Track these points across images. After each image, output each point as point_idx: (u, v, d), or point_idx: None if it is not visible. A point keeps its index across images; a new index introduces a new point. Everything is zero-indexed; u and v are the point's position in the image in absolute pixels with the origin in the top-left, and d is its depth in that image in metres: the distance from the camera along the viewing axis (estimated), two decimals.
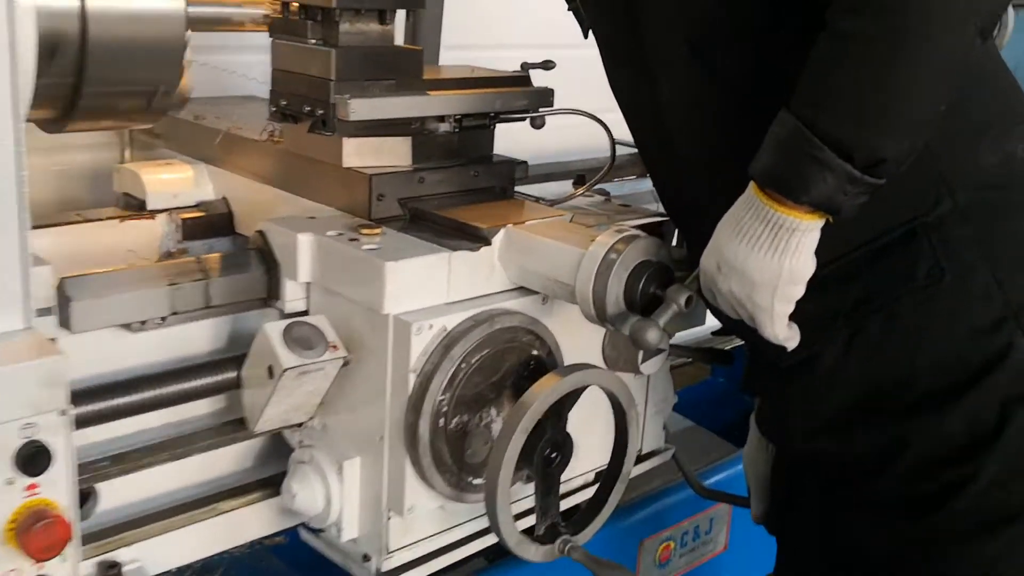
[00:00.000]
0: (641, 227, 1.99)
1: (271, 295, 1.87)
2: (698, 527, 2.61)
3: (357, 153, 1.94)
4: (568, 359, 1.88)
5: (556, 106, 2.13)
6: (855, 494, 1.72)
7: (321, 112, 1.89)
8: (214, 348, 1.91)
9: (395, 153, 1.96)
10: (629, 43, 1.77)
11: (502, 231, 1.81)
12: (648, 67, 1.75)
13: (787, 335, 1.55)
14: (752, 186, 1.50)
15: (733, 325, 1.68)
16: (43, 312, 1.64)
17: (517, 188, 2.13)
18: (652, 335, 1.60)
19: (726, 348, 2.33)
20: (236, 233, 2.28)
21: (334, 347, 1.76)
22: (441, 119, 2.02)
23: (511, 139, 2.15)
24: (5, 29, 1.39)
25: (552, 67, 2.25)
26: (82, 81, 1.70)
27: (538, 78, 2.15)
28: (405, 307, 1.71)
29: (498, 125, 2.10)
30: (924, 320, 1.59)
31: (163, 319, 1.80)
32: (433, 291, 1.74)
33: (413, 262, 1.71)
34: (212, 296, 1.83)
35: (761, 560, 2.51)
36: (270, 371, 1.72)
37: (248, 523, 1.94)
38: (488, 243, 1.80)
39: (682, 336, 2.18)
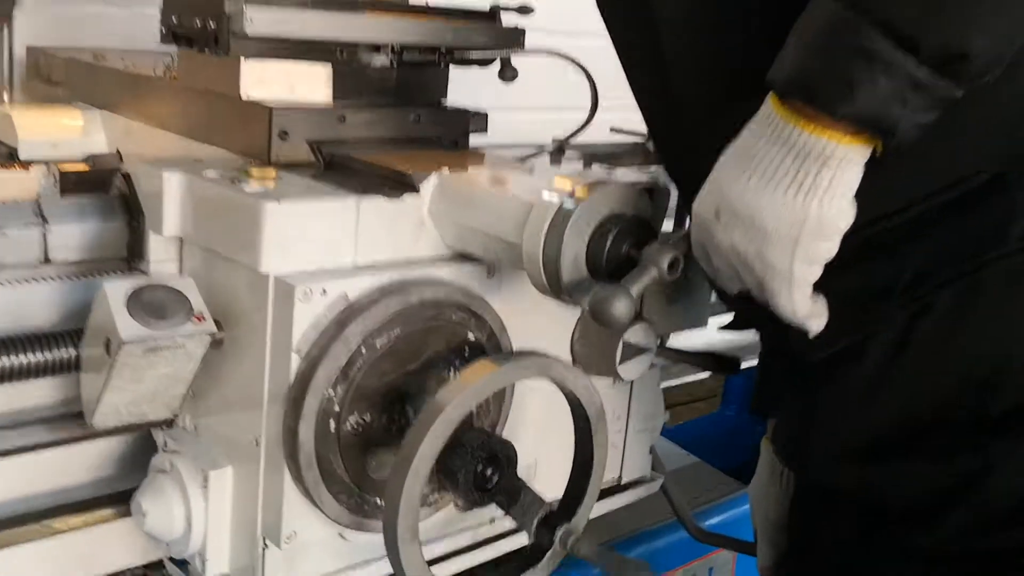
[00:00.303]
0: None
1: (133, 254, 1.44)
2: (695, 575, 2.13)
3: (260, 81, 1.51)
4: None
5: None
6: (900, 543, 1.24)
7: (214, 26, 1.47)
8: (55, 320, 1.47)
9: (310, 84, 1.54)
10: None
11: (434, 176, 1.37)
12: None
13: (809, 311, 1.10)
14: (770, 99, 1.07)
15: (736, 303, 1.23)
16: None
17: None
18: (620, 306, 1.14)
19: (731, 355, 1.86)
20: None
21: (199, 318, 1.32)
22: (376, 48, 1.59)
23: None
24: None
25: (529, 12, 1.83)
26: None
27: None
28: (292, 267, 1.27)
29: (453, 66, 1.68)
30: (1019, 298, 1.13)
31: None
32: (334, 248, 1.30)
33: (305, 206, 1.27)
34: (51, 249, 1.40)
35: None
36: (107, 346, 1.28)
37: (101, 550, 1.48)
38: (415, 190, 1.36)
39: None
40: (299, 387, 1.24)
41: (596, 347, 1.50)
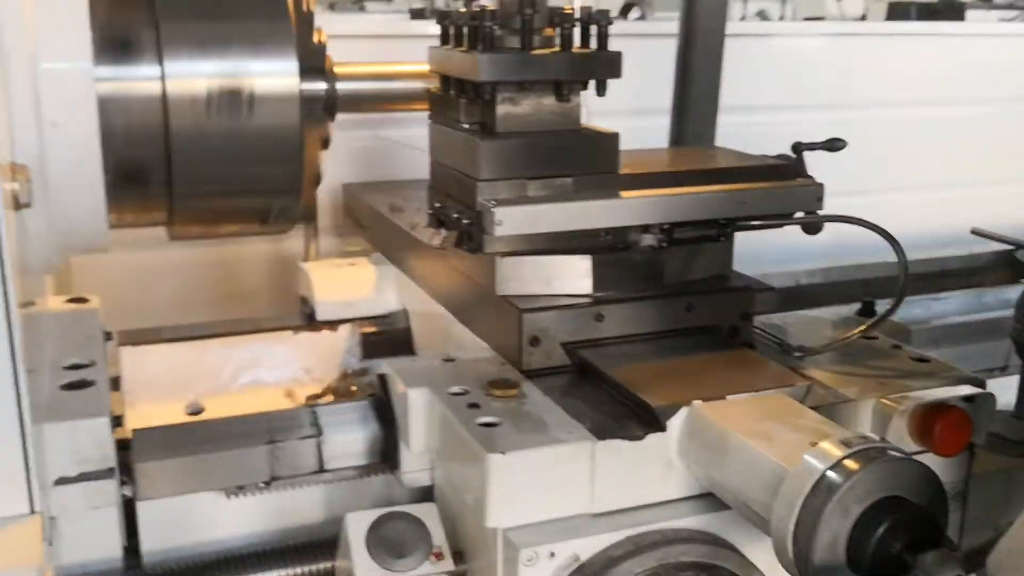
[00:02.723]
0: (939, 405, 1.30)
1: (388, 460, 1.43)
2: None
3: (515, 277, 1.43)
4: None
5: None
6: None
7: (467, 222, 1.41)
8: (328, 517, 1.49)
9: (569, 277, 1.43)
10: None
11: (683, 412, 1.21)
12: None
13: None
14: None
15: None
16: (101, 474, 1.32)
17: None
18: None
19: None
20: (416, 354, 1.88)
21: (438, 555, 1.27)
22: (644, 229, 1.45)
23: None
24: None
25: (841, 147, 1.60)
26: (171, 177, 1.38)
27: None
28: (520, 519, 1.17)
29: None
30: None
31: (265, 485, 1.42)
32: (566, 497, 1.19)
33: (535, 455, 1.17)
34: (327, 458, 1.42)
35: None
36: None
37: None
38: (660, 428, 1.20)
39: None
40: None
41: None
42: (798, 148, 1.59)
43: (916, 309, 1.92)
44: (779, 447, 1.10)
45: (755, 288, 1.48)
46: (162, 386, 1.80)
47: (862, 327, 1.44)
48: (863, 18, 7.04)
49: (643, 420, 1.23)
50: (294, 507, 1.48)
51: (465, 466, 1.22)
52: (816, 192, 1.49)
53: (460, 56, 1.40)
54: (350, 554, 1.25)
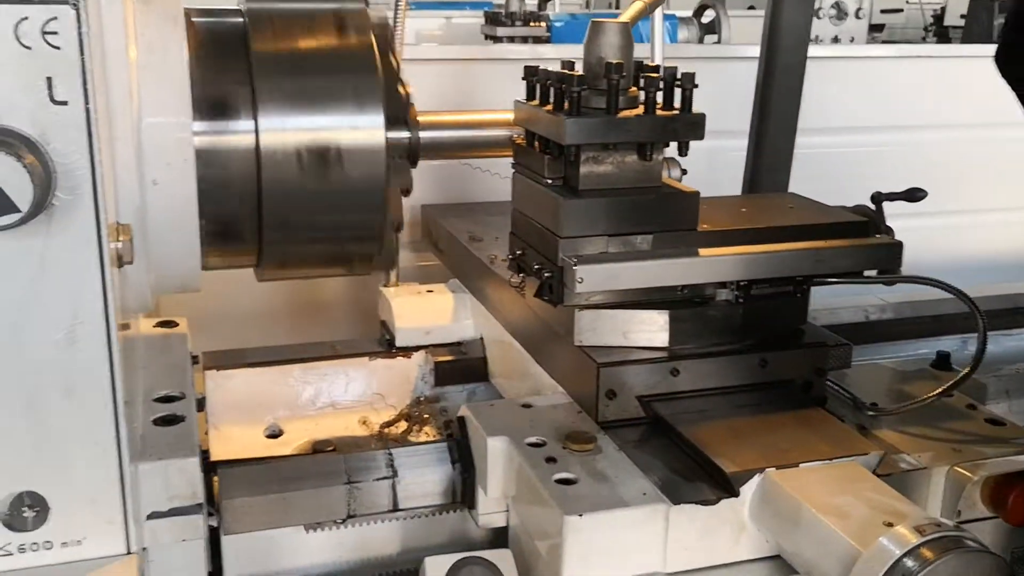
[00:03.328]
0: (1013, 475, 1.31)
1: (465, 501, 1.48)
2: None
3: (593, 329, 1.47)
4: None
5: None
6: None
7: (548, 275, 1.45)
8: (402, 550, 1.56)
9: (646, 331, 1.46)
10: None
11: (757, 479, 1.24)
12: None
13: None
14: None
15: None
16: (190, 509, 1.38)
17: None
18: None
19: None
20: (490, 381, 1.93)
21: None
22: (721, 285, 1.48)
23: None
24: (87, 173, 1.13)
25: (922, 197, 1.61)
26: (261, 226, 1.44)
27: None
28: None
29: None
30: None
31: (341, 522, 1.48)
32: (640, 557, 1.23)
33: (611, 516, 1.21)
34: (400, 499, 1.48)
35: None
36: None
37: None
38: (734, 493, 1.24)
39: None
40: None
41: None
42: (877, 199, 1.60)
43: (989, 346, 1.91)
44: (853, 525, 1.12)
45: (830, 344, 1.50)
46: (244, 408, 1.88)
47: (940, 390, 1.45)
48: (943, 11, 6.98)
49: (716, 483, 1.26)
50: (369, 542, 1.54)
51: (542, 519, 1.27)
52: (894, 252, 1.50)
53: (547, 117, 1.44)
54: None
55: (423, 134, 1.63)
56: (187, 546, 1.41)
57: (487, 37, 4.18)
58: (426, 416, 1.92)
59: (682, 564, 1.24)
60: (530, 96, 1.54)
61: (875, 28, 7.01)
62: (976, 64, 3.08)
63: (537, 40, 4.15)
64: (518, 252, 1.57)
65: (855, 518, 1.14)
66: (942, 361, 1.64)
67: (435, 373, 1.94)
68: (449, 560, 1.34)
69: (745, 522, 1.25)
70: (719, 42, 4.72)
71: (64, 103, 1.11)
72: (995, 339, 2.04)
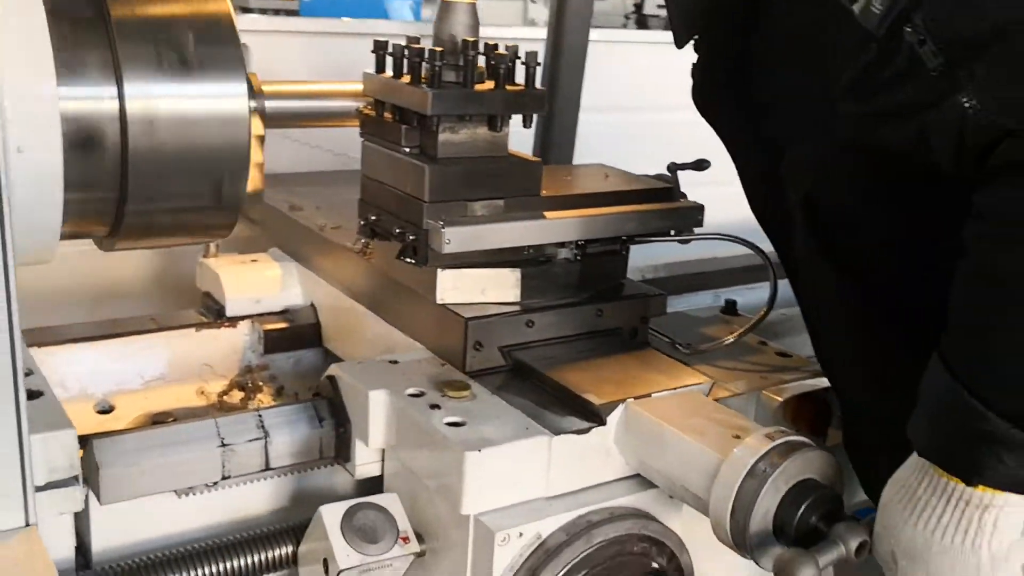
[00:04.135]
0: (804, 395, 1.60)
1: (340, 455, 1.56)
2: None
3: (453, 288, 1.60)
4: (701, 564, 1.49)
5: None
6: None
7: (412, 238, 1.56)
8: (275, 509, 1.62)
9: (500, 288, 1.62)
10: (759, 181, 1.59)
11: (620, 409, 1.43)
12: (779, 212, 1.52)
13: None
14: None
15: None
16: (68, 482, 1.37)
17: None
18: (808, 573, 1.19)
19: None
20: (324, 346, 2.00)
21: (405, 539, 1.43)
22: (560, 245, 1.66)
23: None
24: None
25: (707, 167, 1.86)
26: (126, 196, 1.44)
27: None
28: (490, 504, 1.36)
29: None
30: None
31: (213, 484, 1.52)
32: (527, 484, 1.39)
33: (503, 450, 1.35)
34: (272, 458, 1.53)
35: None
36: (325, 566, 1.41)
37: None
38: (602, 422, 1.43)
39: None
40: None
41: None
42: (673, 168, 1.84)
43: (754, 294, 2.21)
44: (710, 440, 1.34)
45: (651, 295, 1.72)
46: (69, 386, 1.83)
47: (745, 329, 1.72)
48: None
49: (585, 415, 1.44)
50: (241, 503, 1.59)
51: (434, 460, 1.39)
52: (698, 212, 1.75)
53: (408, 89, 1.54)
54: (328, 541, 1.39)
55: (268, 103, 1.68)
56: (62, 520, 1.40)
57: (239, 8, 4.12)
58: (259, 384, 1.96)
59: (561, 488, 1.41)
60: (379, 69, 1.63)
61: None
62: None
63: (288, 13, 4.14)
64: (371, 217, 1.66)
65: (710, 434, 1.36)
66: (730, 307, 1.93)
67: (264, 341, 1.98)
68: (342, 507, 1.43)
69: (611, 447, 1.44)
70: None
71: None
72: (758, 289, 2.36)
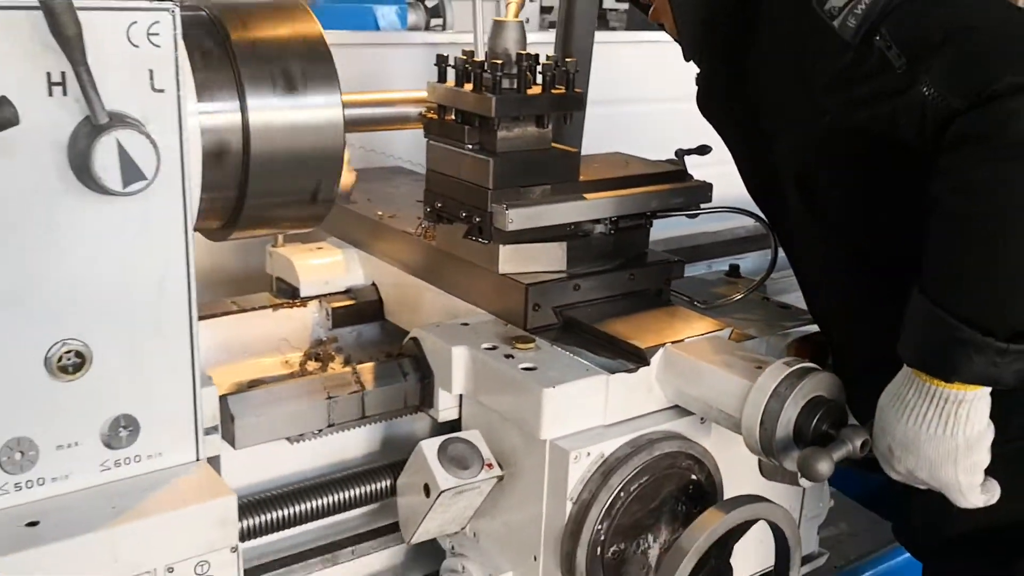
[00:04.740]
0: (801, 340, 1.94)
1: (424, 403, 1.87)
2: None
3: (512, 260, 1.91)
4: (727, 478, 1.82)
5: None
6: None
7: (478, 219, 1.87)
8: (368, 452, 1.92)
9: (550, 258, 1.93)
10: (756, 167, 1.89)
11: (661, 352, 1.76)
12: (774, 192, 1.83)
13: (984, 499, 1.47)
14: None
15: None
16: (209, 431, 1.66)
17: None
18: (824, 467, 1.52)
19: None
20: (384, 320, 2.30)
21: (489, 465, 1.74)
22: (597, 221, 1.98)
23: None
24: (176, 152, 1.40)
25: (708, 151, 2.18)
26: (245, 194, 1.72)
27: None
28: (561, 431, 1.67)
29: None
30: None
31: (320, 431, 1.82)
32: (590, 414, 1.70)
33: (571, 387, 1.67)
34: (368, 407, 1.84)
35: None
36: (426, 490, 1.72)
37: None
38: (647, 363, 1.75)
39: None
40: (575, 524, 1.66)
41: (779, 467, 1.88)
42: (680, 153, 2.17)
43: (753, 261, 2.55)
44: (738, 370, 1.67)
45: (671, 261, 2.05)
46: None
47: (752, 286, 2.06)
48: None
49: (631, 358, 1.76)
50: (342, 448, 1.89)
51: (513, 399, 1.70)
52: (708, 190, 2.08)
53: (474, 95, 1.85)
54: (429, 469, 1.69)
55: (346, 111, 1.97)
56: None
57: None
58: (331, 354, 2.26)
59: (615, 417, 1.73)
60: (441, 79, 1.94)
61: (545, 10, 7.85)
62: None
63: None
64: (437, 204, 1.97)
65: (738, 367, 1.69)
66: (734, 271, 2.27)
67: (332, 317, 2.28)
68: (437, 441, 1.74)
69: (653, 383, 1.76)
70: (444, 26, 5.21)
71: (161, 91, 1.37)
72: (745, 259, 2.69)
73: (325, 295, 2.28)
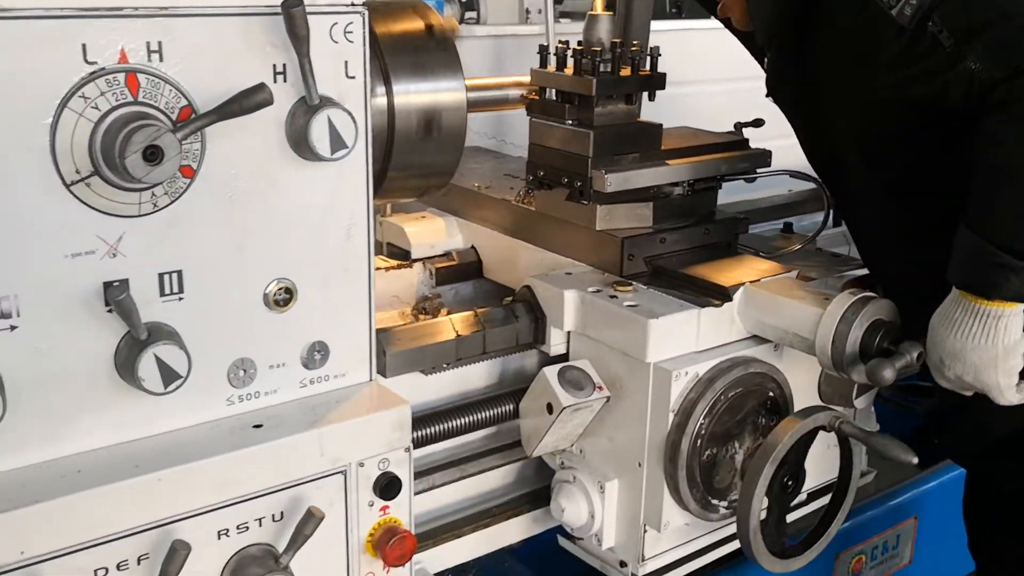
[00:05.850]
0: (855, 279, 2.27)
1: (536, 340, 2.20)
2: (887, 542, 2.83)
3: (608, 218, 2.24)
4: (796, 397, 2.15)
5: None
6: None
7: (579, 184, 2.20)
8: (488, 384, 2.26)
9: (639, 216, 2.26)
10: (818, 140, 2.19)
11: (741, 289, 2.09)
12: (834, 161, 2.15)
13: (1020, 397, 1.80)
14: (954, 288, 1.80)
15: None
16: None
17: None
18: (888, 372, 1.85)
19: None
20: (482, 278, 2.62)
21: (599, 388, 2.07)
22: (676, 184, 2.31)
23: None
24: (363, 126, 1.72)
25: (762, 124, 2.51)
26: (388, 167, 2.05)
27: None
28: (663, 355, 2.01)
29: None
30: None
31: (449, 364, 2.15)
32: (685, 341, 2.04)
33: (671, 318, 2.00)
34: (488, 344, 2.16)
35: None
36: (549, 408, 2.05)
37: (510, 530, 2.28)
38: (730, 299, 2.08)
39: None
40: (676, 432, 1.99)
41: (837, 388, 2.22)
42: (739, 126, 2.50)
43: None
44: (810, 301, 2.00)
45: (739, 217, 2.39)
46: None
47: (810, 237, 2.40)
48: None
49: (716, 296, 2.09)
50: (465, 380, 2.23)
51: (621, 331, 2.03)
52: (768, 156, 2.41)
53: (575, 78, 2.18)
54: (553, 389, 2.03)
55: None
56: None
57: None
58: (436, 308, 2.59)
59: (704, 344, 2.06)
60: (543, 65, 2.27)
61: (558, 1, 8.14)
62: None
63: None
64: (540, 173, 2.30)
65: (809, 299, 2.02)
66: (788, 228, 2.60)
67: (435, 276, 2.60)
68: (557, 368, 2.07)
69: (735, 316, 2.09)
70: (478, 19, 5.52)
71: (353, 77, 1.70)
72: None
73: (430, 257, 2.61)
